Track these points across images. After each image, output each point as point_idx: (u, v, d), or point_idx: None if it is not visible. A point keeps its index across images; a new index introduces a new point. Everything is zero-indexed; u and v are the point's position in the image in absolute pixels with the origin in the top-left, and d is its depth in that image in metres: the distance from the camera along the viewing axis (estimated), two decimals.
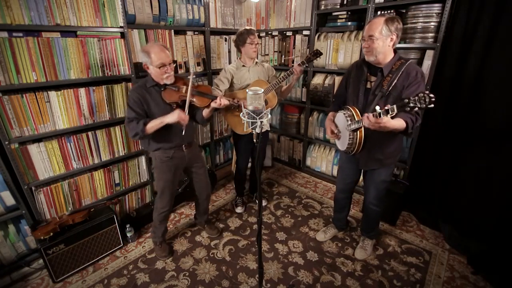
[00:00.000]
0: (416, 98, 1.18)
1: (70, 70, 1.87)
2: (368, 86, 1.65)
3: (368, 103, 1.62)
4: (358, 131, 1.61)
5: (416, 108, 1.20)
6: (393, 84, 1.51)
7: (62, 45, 1.80)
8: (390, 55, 1.56)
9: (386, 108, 1.30)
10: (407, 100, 1.22)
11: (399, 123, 1.40)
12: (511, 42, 1.73)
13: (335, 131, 1.78)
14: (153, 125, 1.67)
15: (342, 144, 1.75)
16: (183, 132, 1.74)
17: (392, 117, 1.34)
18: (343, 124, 1.68)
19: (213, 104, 1.78)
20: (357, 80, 1.71)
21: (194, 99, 1.77)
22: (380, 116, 1.31)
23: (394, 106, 1.27)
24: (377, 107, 1.33)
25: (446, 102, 2.11)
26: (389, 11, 2.23)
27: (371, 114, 1.35)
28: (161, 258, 2.06)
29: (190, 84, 1.72)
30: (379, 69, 1.58)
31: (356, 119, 1.58)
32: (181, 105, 1.76)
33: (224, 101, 1.78)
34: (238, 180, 2.60)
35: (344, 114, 1.64)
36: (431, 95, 1.15)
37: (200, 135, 2.87)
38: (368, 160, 1.75)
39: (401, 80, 1.50)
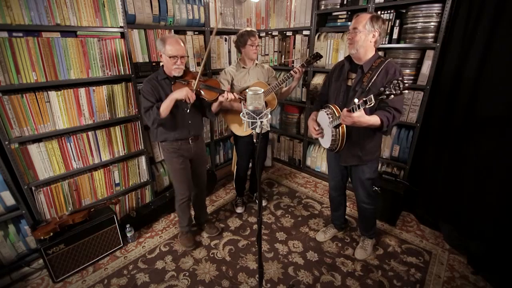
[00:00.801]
0: (391, 85, 1.23)
1: (70, 70, 1.87)
2: (349, 83, 1.71)
3: (348, 100, 1.67)
4: (340, 128, 1.66)
5: (392, 96, 1.24)
6: (372, 81, 1.57)
7: (62, 45, 1.80)
8: (371, 52, 1.61)
9: (364, 99, 1.33)
10: (382, 89, 1.26)
11: (374, 119, 1.45)
12: (511, 42, 1.73)
13: (317, 129, 1.82)
14: (165, 106, 1.71)
15: (326, 142, 1.80)
16: (188, 110, 1.77)
17: (371, 112, 1.39)
18: (326, 122, 1.73)
19: (220, 98, 1.81)
20: (338, 78, 1.77)
21: (202, 92, 1.81)
22: (359, 108, 1.36)
23: (371, 96, 1.30)
24: (356, 100, 1.37)
25: (446, 102, 2.11)
26: (389, 11, 2.24)
27: (345, 109, 1.40)
28: (186, 248, 2.12)
29: (199, 75, 1.78)
30: (359, 66, 1.64)
31: (337, 116, 1.62)
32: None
33: (231, 96, 1.79)
34: (238, 180, 2.60)
35: (326, 112, 1.69)
36: (405, 81, 1.21)
37: None
38: (348, 156, 1.79)
39: (380, 77, 1.56)
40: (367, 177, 1.82)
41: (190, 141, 1.95)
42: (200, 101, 1.92)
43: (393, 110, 1.51)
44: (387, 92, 1.25)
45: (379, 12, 2.28)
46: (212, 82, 1.89)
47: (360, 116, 1.39)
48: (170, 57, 1.71)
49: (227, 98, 1.79)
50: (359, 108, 1.36)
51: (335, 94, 1.76)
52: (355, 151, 1.74)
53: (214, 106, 1.90)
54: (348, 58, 1.72)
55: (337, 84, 1.76)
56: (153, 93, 1.77)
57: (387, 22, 2.17)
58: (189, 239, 2.15)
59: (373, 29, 1.53)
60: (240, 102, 1.86)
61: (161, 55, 1.76)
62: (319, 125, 1.84)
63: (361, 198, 1.92)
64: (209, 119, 2.08)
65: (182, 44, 1.74)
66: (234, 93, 1.82)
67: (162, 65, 1.81)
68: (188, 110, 1.78)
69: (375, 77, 1.56)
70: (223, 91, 1.81)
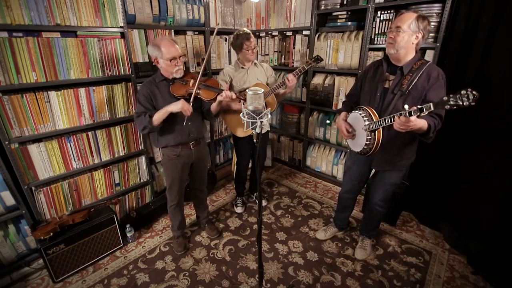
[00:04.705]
0: (458, 96, 1.10)
1: (70, 70, 1.87)
2: (386, 85, 1.60)
3: (385, 102, 1.58)
4: (376, 132, 1.55)
5: (455, 107, 1.13)
6: (413, 83, 1.48)
7: (62, 45, 1.80)
8: (412, 53, 1.53)
9: (419, 106, 1.24)
10: (446, 98, 1.14)
11: (423, 123, 1.36)
12: (511, 42, 1.73)
13: (350, 130, 1.73)
14: (158, 116, 1.69)
15: (356, 145, 1.70)
16: (184, 123, 1.74)
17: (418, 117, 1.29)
18: (359, 125, 1.63)
19: (219, 98, 1.76)
20: (373, 79, 1.68)
21: (200, 92, 1.77)
22: (410, 115, 1.26)
23: (430, 104, 1.19)
24: (406, 106, 1.27)
25: None
26: (389, 11, 2.23)
27: (399, 115, 1.30)
28: (176, 252, 2.10)
29: (199, 76, 1.74)
30: (398, 68, 1.55)
31: (374, 119, 1.53)
32: (188, 99, 1.76)
33: (230, 94, 1.74)
34: (238, 180, 2.60)
35: (361, 114, 1.59)
36: (475, 92, 1.06)
37: None
38: (382, 161, 1.72)
39: (421, 80, 1.47)
40: (393, 182, 1.78)
41: (191, 146, 1.91)
42: (200, 102, 1.89)
43: (437, 117, 1.42)
44: (452, 103, 1.12)
45: (379, 12, 2.28)
46: (211, 82, 1.86)
47: (416, 120, 1.29)
48: (170, 60, 1.67)
49: (226, 97, 1.74)
50: (410, 115, 1.26)
51: (370, 96, 1.67)
52: (390, 156, 1.68)
53: (213, 106, 1.85)
54: (386, 59, 1.63)
55: (372, 85, 1.67)
56: (149, 97, 1.73)
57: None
58: (179, 243, 2.13)
59: (418, 30, 1.44)
60: (240, 102, 1.83)
61: (157, 61, 1.70)
62: (350, 126, 1.74)
63: (376, 200, 1.89)
64: (208, 121, 2.03)
65: (176, 44, 1.71)
66: (233, 92, 1.78)
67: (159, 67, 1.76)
68: (184, 123, 1.74)
69: (415, 79, 1.47)
70: (221, 90, 1.76)
